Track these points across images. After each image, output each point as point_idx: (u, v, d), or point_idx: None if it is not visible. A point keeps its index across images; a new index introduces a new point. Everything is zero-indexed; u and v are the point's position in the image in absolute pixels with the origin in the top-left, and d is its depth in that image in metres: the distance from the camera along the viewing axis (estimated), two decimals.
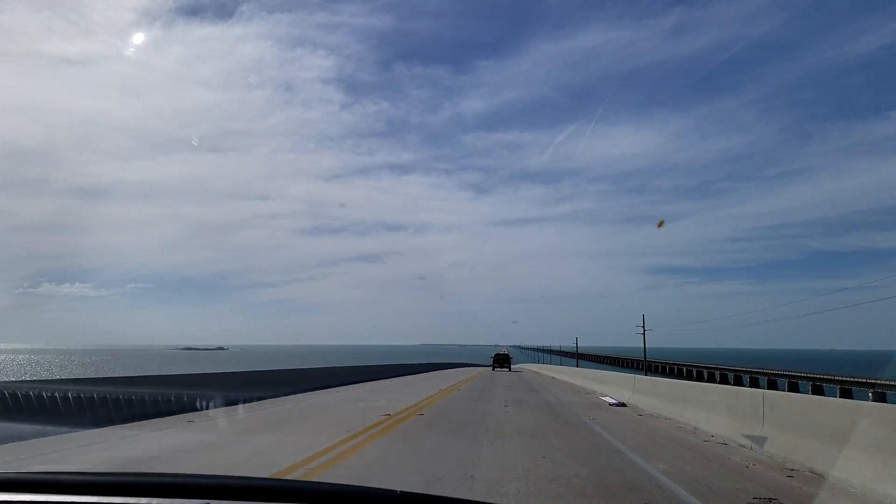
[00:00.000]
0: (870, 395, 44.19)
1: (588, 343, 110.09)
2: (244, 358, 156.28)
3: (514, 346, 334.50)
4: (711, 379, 70.34)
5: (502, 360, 53.05)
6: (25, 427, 9.17)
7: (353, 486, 1.89)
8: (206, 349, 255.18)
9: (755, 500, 5.96)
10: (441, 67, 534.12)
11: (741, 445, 9.28)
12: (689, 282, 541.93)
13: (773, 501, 5.92)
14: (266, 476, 6.22)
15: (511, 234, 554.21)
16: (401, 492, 1.80)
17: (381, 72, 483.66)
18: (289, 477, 6.48)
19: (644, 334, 60.17)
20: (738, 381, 67.02)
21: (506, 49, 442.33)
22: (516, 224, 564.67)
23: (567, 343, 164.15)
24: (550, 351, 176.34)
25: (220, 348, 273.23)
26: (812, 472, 7.18)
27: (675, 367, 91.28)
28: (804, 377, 57.72)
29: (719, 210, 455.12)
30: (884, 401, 23.96)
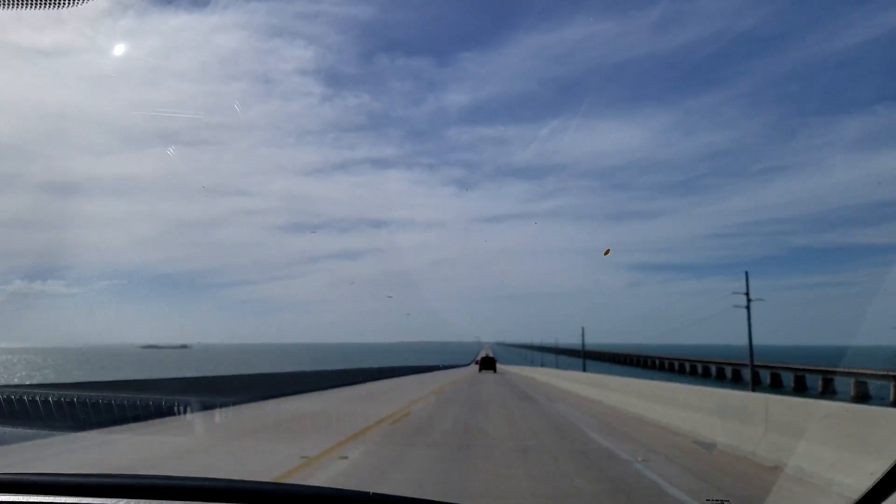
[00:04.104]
0: None
1: (572, 340, 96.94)
2: (204, 356, 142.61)
3: (497, 343, 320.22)
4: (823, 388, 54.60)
5: (488, 363, 52.69)
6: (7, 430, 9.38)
7: (326, 487, 2.06)
8: (169, 347, 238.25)
9: (709, 502, 5.85)
10: (424, 59, 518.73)
11: None
12: (673, 278, 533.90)
13: (726, 502, 5.94)
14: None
15: (495, 230, 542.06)
16: (373, 493, 1.86)
17: (363, 64, 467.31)
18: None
19: (749, 314, 40.28)
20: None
21: (489, 41, 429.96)
22: (500, 220, 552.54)
23: (550, 340, 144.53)
24: (543, 348, 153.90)
25: (184, 346, 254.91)
26: None
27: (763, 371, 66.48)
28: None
29: (704, 206, 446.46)
30: None
